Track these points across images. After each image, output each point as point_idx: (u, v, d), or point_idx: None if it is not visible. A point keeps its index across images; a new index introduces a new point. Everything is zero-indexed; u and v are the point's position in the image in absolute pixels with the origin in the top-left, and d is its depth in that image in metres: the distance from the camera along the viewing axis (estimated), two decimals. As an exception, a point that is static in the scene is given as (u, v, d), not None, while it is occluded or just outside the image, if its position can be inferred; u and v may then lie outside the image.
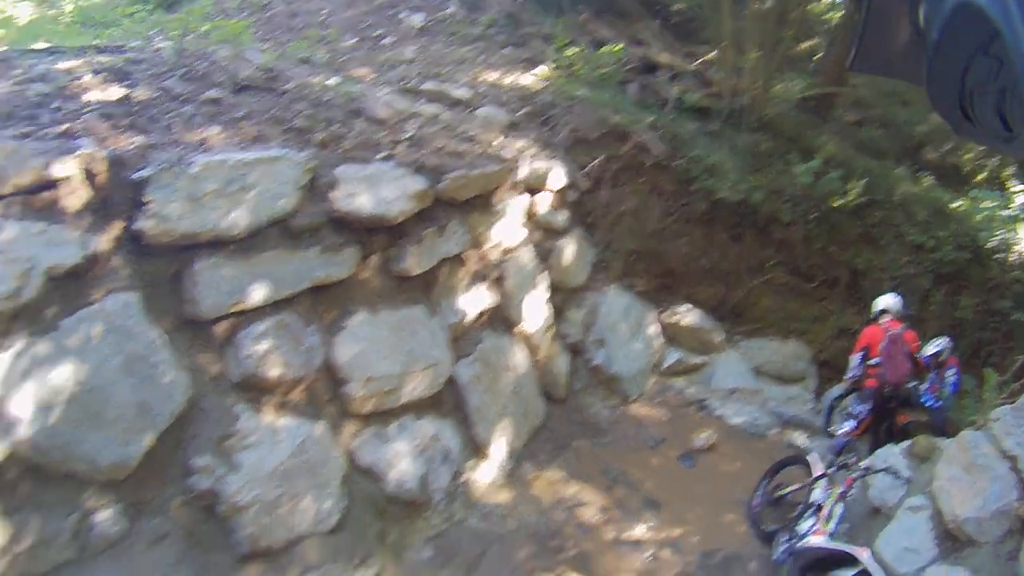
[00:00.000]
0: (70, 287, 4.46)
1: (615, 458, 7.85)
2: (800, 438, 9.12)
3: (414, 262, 6.21)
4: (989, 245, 11.66)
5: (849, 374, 8.24)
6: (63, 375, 4.29)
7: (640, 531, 6.86)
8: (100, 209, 4.69)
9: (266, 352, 5.16)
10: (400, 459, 5.92)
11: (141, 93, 5.72)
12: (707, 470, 8.09)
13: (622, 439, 8.30)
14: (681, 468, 8.02)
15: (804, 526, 6.41)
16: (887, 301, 8.56)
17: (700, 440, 8.40)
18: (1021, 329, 10.98)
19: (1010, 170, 15.21)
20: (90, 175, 4.65)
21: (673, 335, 10.01)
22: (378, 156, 6.21)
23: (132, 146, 5.05)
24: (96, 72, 5.83)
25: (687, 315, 10.06)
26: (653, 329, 9.80)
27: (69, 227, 4.50)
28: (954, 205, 12.21)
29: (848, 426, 8.03)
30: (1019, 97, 0.99)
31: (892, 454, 6.76)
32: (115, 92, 5.64)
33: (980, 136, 1.27)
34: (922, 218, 11.38)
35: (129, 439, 4.47)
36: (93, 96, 5.50)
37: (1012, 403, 6.10)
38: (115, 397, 4.45)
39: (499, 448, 6.99)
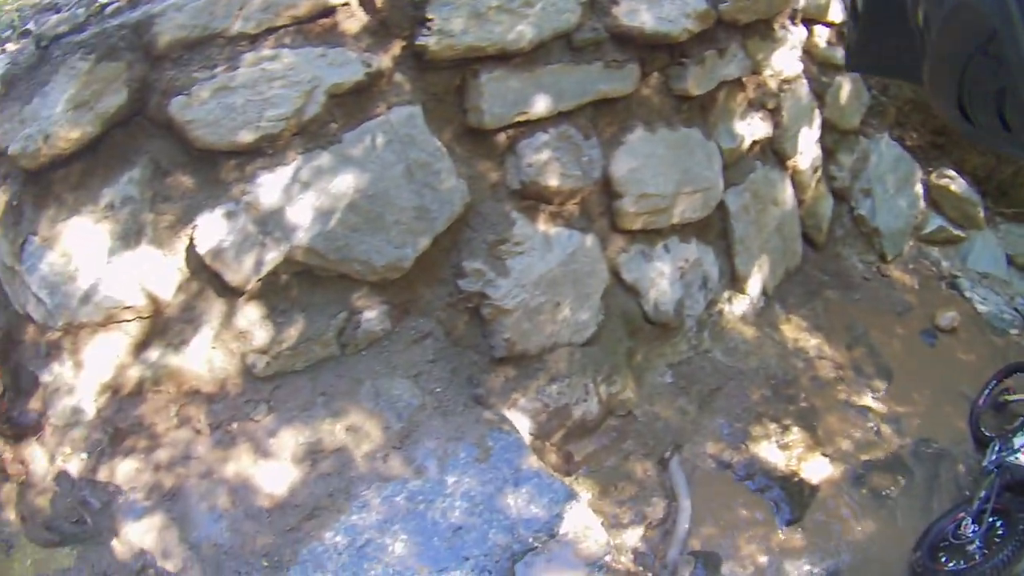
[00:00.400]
0: (352, 104, 4.42)
1: (861, 317, 7.25)
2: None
3: (694, 83, 5.70)
4: None
5: None
6: (344, 183, 4.33)
7: (868, 399, 6.36)
8: (379, 30, 4.53)
9: (546, 162, 4.93)
10: (661, 280, 5.64)
11: None
12: (944, 352, 7.31)
13: (871, 298, 7.63)
14: (921, 343, 7.30)
15: (1019, 440, 5.64)
16: None
17: (945, 319, 7.57)
18: None
19: None
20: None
21: (937, 200, 8.92)
22: (660, -27, 5.61)
23: None
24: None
25: (954, 181, 8.92)
26: (918, 188, 8.78)
27: (349, 49, 4.40)
28: None
29: None
30: (1018, 97, 0.91)
31: None
32: None
33: (979, 136, 1.15)
34: None
35: (405, 241, 4.49)
36: None
37: None
38: (395, 202, 4.47)
39: (755, 284, 6.57)
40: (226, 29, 4.19)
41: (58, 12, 4.85)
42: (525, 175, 4.87)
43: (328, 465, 4.11)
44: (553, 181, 4.92)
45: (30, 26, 4.96)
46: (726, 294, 6.30)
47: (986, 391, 6.42)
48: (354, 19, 4.45)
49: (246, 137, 4.12)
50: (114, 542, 3.99)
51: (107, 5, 4.60)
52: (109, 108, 4.05)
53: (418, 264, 4.55)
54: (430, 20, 4.51)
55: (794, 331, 6.63)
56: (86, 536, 4.04)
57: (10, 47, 4.83)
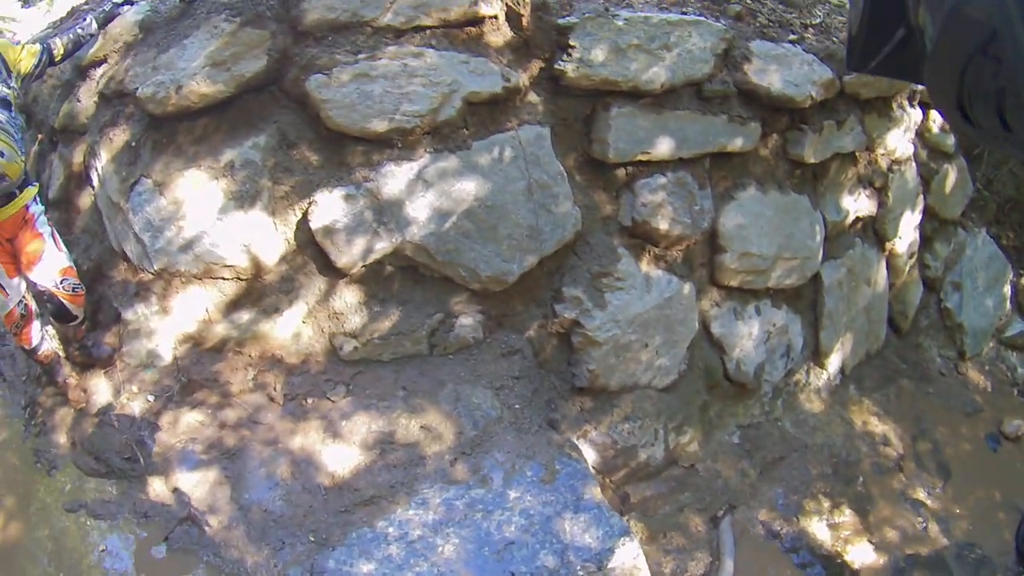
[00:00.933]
0: (486, 114, 4.54)
1: (931, 411, 7.19)
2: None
3: (810, 150, 5.74)
4: None
5: None
6: (466, 189, 4.42)
7: (923, 494, 6.30)
8: (521, 48, 4.70)
9: (660, 204, 4.99)
10: (747, 340, 5.66)
11: None
12: (1006, 460, 7.22)
13: (944, 394, 7.55)
14: (984, 447, 7.22)
15: None
16: None
17: (1012, 426, 7.45)
18: None
19: None
20: (514, 16, 4.62)
21: (1023, 303, 8.77)
22: (789, 37, 5.72)
23: None
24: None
25: None
26: (1007, 289, 8.66)
27: (491, 60, 4.54)
28: None
29: None
30: (1018, 97, 0.93)
31: None
32: None
33: (979, 136, 1.22)
34: None
35: (514, 256, 4.57)
36: None
37: None
38: (511, 217, 4.55)
39: (835, 360, 6.54)
40: (375, 19, 4.35)
41: (208, -29, 5.08)
42: (638, 213, 4.93)
43: (396, 457, 4.18)
44: (663, 224, 4.98)
45: (175, -21, 5.19)
46: (805, 366, 6.29)
47: None
48: (499, 33, 4.60)
49: (379, 126, 4.25)
50: (161, 485, 4.13)
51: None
52: (246, 72, 4.22)
53: (520, 281, 4.63)
54: (572, 47, 4.63)
55: (864, 414, 6.61)
56: (135, 475, 4.18)
57: (153, -6, 5.07)
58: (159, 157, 4.28)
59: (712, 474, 5.43)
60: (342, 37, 4.36)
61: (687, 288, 5.23)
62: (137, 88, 4.23)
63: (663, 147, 4.94)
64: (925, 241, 7.76)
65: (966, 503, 6.43)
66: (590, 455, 4.78)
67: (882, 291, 7.03)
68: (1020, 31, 0.85)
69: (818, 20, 6.23)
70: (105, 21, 4.60)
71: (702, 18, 5.14)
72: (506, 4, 4.56)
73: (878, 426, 6.55)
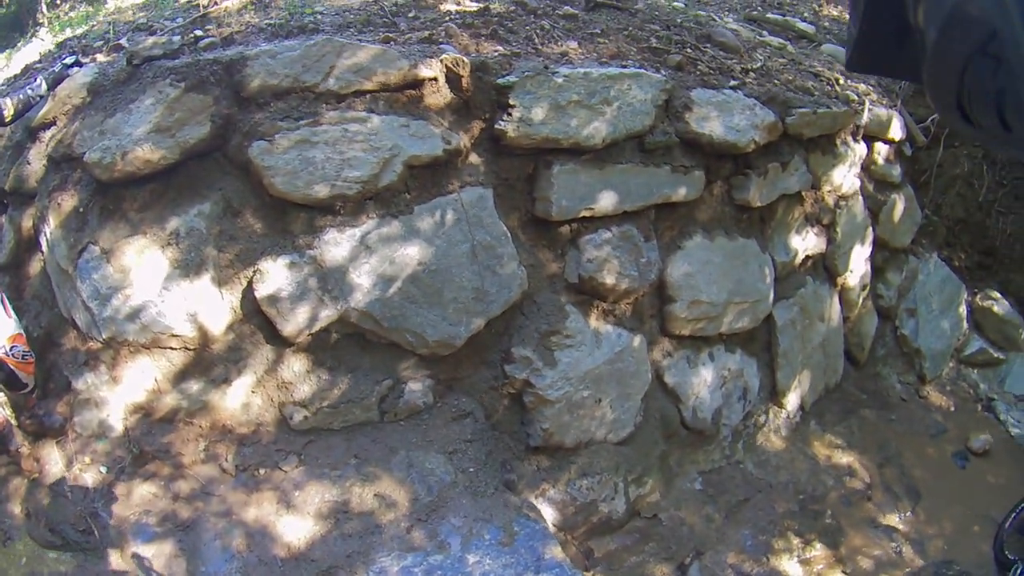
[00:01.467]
0: (428, 177, 4.56)
1: (895, 437, 7.28)
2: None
3: (756, 194, 5.79)
4: None
5: None
6: (409, 254, 4.44)
7: (895, 519, 6.37)
8: (462, 109, 4.70)
9: (606, 259, 5.00)
10: (702, 387, 5.69)
11: (498, 6, 5.65)
12: (975, 475, 7.33)
13: (906, 419, 7.64)
14: (952, 465, 7.33)
15: None
16: None
17: (978, 442, 7.58)
18: None
19: None
20: (454, 77, 4.62)
21: (980, 321, 8.95)
22: (730, 84, 5.78)
23: (495, 54, 4.99)
24: (451, -13, 5.89)
25: (998, 303, 8.94)
26: (962, 310, 8.81)
27: (431, 123, 4.54)
28: None
29: None
30: (1017, 98, 0.93)
31: None
32: (471, 5, 5.65)
33: (979, 136, 1.29)
34: None
35: (461, 319, 4.57)
36: (450, 7, 5.54)
37: None
38: (456, 280, 4.56)
39: (793, 398, 6.59)
40: (316, 85, 4.37)
41: (153, 35, 5.13)
42: (584, 270, 4.93)
43: (351, 527, 4.15)
44: (610, 279, 4.98)
45: (123, 42, 5.22)
46: (764, 406, 6.32)
47: (1013, 514, 6.34)
48: (439, 95, 4.61)
49: (321, 192, 4.26)
50: (118, 559, 4.06)
51: (201, 39, 4.88)
52: (190, 138, 4.23)
53: (469, 343, 4.63)
54: (512, 106, 4.64)
55: (827, 448, 6.64)
56: (89, 547, 4.11)
57: (100, 58, 5.10)
58: (106, 224, 4.27)
59: (676, 522, 5.42)
60: (284, 103, 4.37)
61: (637, 341, 5.24)
62: (85, 152, 4.22)
63: (606, 202, 4.96)
64: (877, 271, 7.85)
65: (939, 523, 6.50)
66: (549, 513, 4.77)
67: (837, 325, 7.10)
68: (1020, 31, 0.85)
69: (759, 64, 6.33)
70: (55, 82, 4.58)
71: (642, 70, 5.18)
72: (446, 66, 4.57)
73: (842, 458, 6.59)
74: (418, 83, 4.53)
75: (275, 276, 4.27)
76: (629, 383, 5.20)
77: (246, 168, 4.31)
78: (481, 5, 5.60)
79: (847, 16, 7.80)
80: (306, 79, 4.37)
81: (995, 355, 8.85)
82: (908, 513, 6.46)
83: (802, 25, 8.03)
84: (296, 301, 4.29)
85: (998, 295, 8.96)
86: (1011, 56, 0.88)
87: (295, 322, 4.30)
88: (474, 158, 4.74)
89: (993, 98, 0.98)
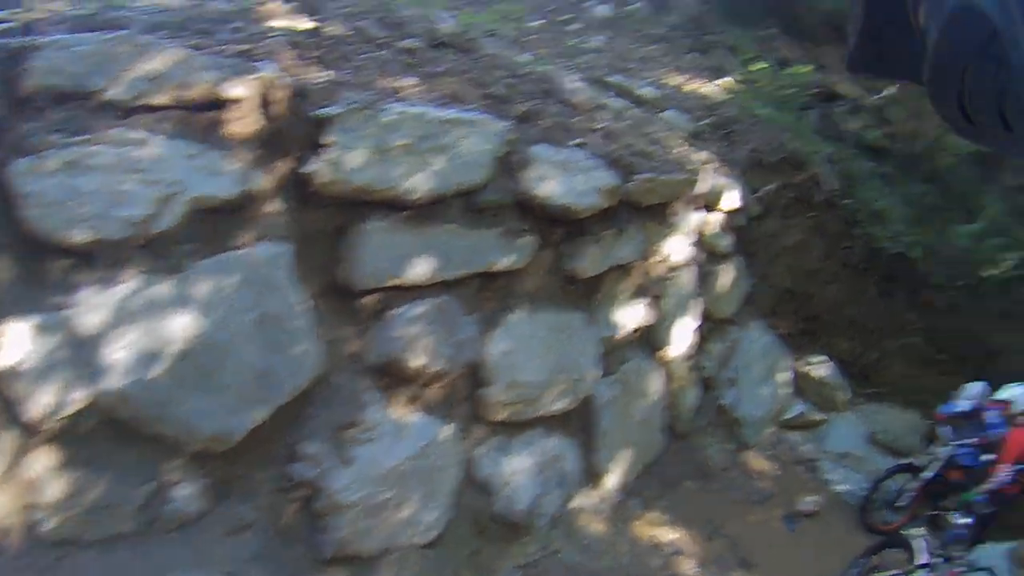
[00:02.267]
0: (215, 225, 3.79)
1: (720, 508, 7.19)
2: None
3: (588, 263, 5.49)
4: None
5: (994, 485, 7.10)
6: (182, 324, 3.62)
7: None
8: (270, 143, 3.98)
9: (416, 337, 4.45)
10: (517, 476, 5.24)
11: (333, 29, 5.03)
12: (807, 536, 7.41)
13: (730, 488, 7.62)
14: (782, 530, 7.37)
15: None
16: (1014, 394, 7.46)
17: (806, 504, 7.69)
18: None
19: None
20: (266, 102, 3.93)
21: (801, 386, 9.22)
22: (572, 142, 5.49)
23: (319, 80, 4.33)
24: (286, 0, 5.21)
25: (820, 367, 9.24)
26: (784, 376, 8.99)
27: (231, 156, 3.80)
28: None
29: (969, 520, 6.92)
30: (1019, 98, 0.91)
31: (994, 554, 6.40)
32: (304, 23, 4.99)
33: (980, 137, 1.10)
34: None
35: (240, 409, 3.79)
36: (279, 23, 4.84)
37: None
38: (237, 358, 3.77)
39: (613, 479, 6.29)
40: (100, 91, 3.57)
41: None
42: (389, 350, 4.36)
43: None
44: (420, 360, 4.44)
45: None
46: (583, 490, 5.99)
47: (853, 569, 6.42)
48: (246, 122, 3.89)
49: (82, 235, 3.42)
50: None
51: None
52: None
53: (250, 437, 3.87)
54: (328, 144, 4.02)
55: (650, 527, 6.40)
56: None
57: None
58: None
59: (490, 626, 5.01)
60: (64, 111, 3.55)
61: (447, 431, 4.72)
62: None
63: (423, 269, 4.45)
64: (700, 342, 7.76)
65: (777, 588, 6.44)
66: (348, 633, 4.16)
67: (658, 399, 6.92)
68: (1021, 31, 0.84)
69: (602, 125, 6.11)
70: None
71: (482, 117, 4.78)
72: (258, 86, 3.90)
73: (668, 535, 6.37)
74: (223, 103, 3.81)
75: (19, 342, 3.41)
76: (437, 479, 4.67)
77: (3, 191, 3.43)
78: (315, 25, 4.99)
79: (685, 86, 7.90)
80: (91, 83, 3.56)
81: (815, 417, 9.09)
82: (742, 586, 6.30)
83: (644, 90, 7.98)
84: (42, 378, 3.43)
85: (821, 359, 9.25)
86: (1012, 56, 0.87)
87: (41, 405, 3.44)
88: (275, 205, 4.02)
89: (994, 98, 0.97)
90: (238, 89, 3.82)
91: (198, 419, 3.68)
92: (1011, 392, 7.42)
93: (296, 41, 4.61)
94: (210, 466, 3.84)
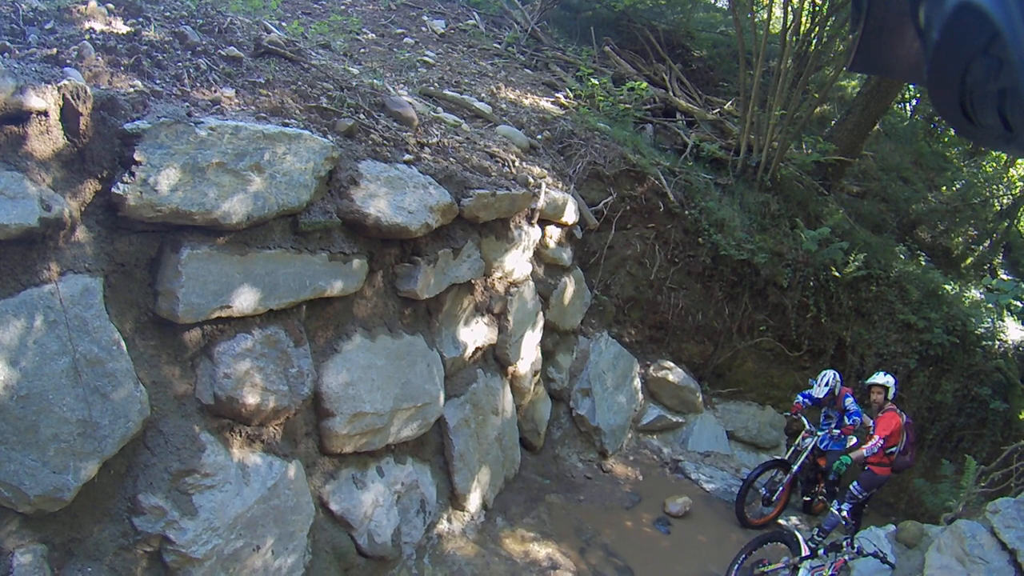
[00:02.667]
0: (16, 258, 3.33)
1: (589, 517, 7.20)
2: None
3: (424, 284, 5.31)
4: (977, 331, 11.46)
5: (866, 452, 7.43)
6: None
7: None
8: (75, 162, 3.55)
9: (247, 372, 4.13)
10: (374, 508, 5.04)
11: (151, 33, 4.63)
12: (682, 537, 7.51)
13: (597, 497, 7.67)
14: (656, 533, 7.45)
15: None
16: (888, 380, 7.92)
17: (676, 505, 7.84)
18: (997, 418, 10.91)
19: (999, 258, 15.09)
20: (71, 114, 3.48)
21: (655, 391, 9.47)
22: (403, 158, 5.31)
23: (130, 89, 3.96)
24: (104, 1, 4.75)
25: (672, 372, 9.51)
26: (637, 383, 9.19)
27: (30, 178, 3.33)
28: (947, 287, 12.02)
29: (846, 507, 7.33)
30: (1019, 97, 0.95)
31: (877, 537, 6.47)
32: (121, 27, 4.57)
33: (980, 136, 1.14)
34: (915, 297, 11.21)
35: (66, 464, 3.41)
36: (95, 25, 4.42)
37: (994, 493, 6.25)
38: (55, 410, 3.37)
39: (474, 499, 6.20)
40: None
41: None
42: (220, 388, 4.02)
43: None
44: (253, 398, 4.15)
45: None
46: (445, 514, 5.85)
47: (736, 566, 6.47)
48: (49, 138, 3.41)
49: None
50: None
51: None
52: None
53: (84, 494, 3.52)
54: (138, 163, 3.61)
55: (521, 544, 6.32)
56: None
57: None
58: None
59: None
60: None
61: (294, 469, 4.45)
62: None
63: (248, 298, 4.12)
64: (547, 355, 7.83)
65: (659, 593, 6.42)
66: None
67: (511, 416, 6.88)
68: (1022, 31, 0.85)
69: (435, 140, 5.98)
70: None
71: (306, 132, 4.47)
72: (63, 96, 3.41)
73: (540, 551, 6.30)
74: (23, 116, 3.30)
75: None
76: (290, 520, 4.39)
77: None
78: (132, 29, 4.60)
79: (521, 100, 7.89)
80: None
81: (673, 419, 9.38)
82: (625, 591, 6.24)
83: (478, 104, 7.95)
84: None
85: (671, 365, 9.52)
86: (1013, 56, 0.87)
87: None
88: (82, 233, 3.56)
89: (995, 98, 0.99)
90: (41, 99, 3.35)
91: (24, 479, 3.29)
92: (886, 379, 7.82)
93: (110, 46, 4.26)
94: (49, 529, 3.46)
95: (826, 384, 8.09)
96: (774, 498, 8.02)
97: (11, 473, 3.26)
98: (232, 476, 4.05)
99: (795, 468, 7.95)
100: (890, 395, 7.74)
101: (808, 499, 8.54)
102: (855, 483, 7.61)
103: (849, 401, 8.02)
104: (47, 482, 3.35)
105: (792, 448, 8.29)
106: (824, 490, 8.37)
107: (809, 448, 7.97)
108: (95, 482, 3.56)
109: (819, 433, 8.08)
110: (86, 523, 3.60)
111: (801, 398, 8.31)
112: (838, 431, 8.03)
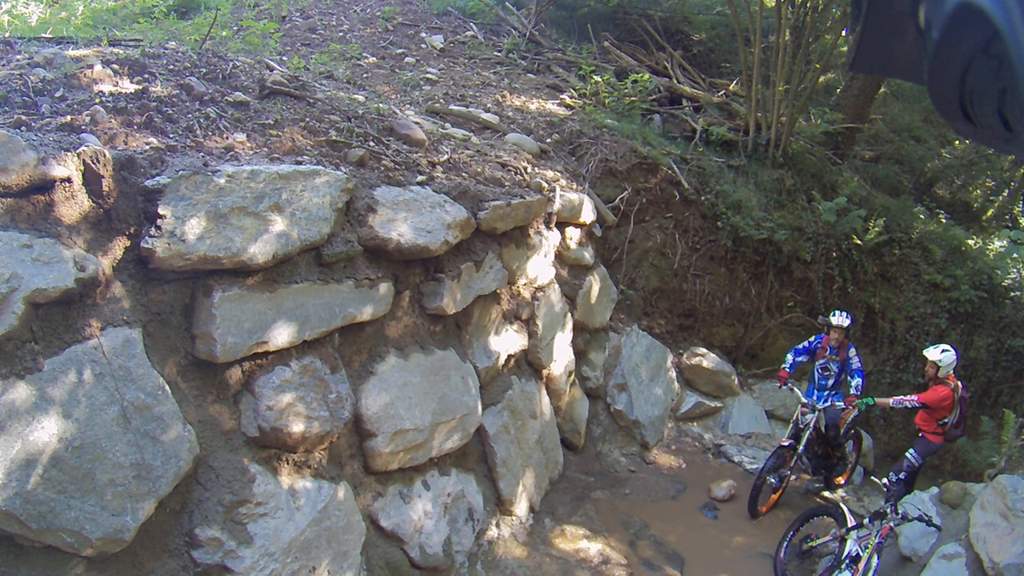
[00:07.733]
0: (58, 318, 3.48)
1: (636, 510, 7.27)
2: (819, 483, 8.52)
3: (450, 300, 5.43)
4: (1004, 283, 11.36)
5: (893, 403, 7.30)
6: (46, 428, 3.36)
7: None
8: (103, 222, 3.70)
9: (289, 403, 4.29)
10: (424, 520, 5.16)
11: (158, 89, 4.79)
12: (730, 521, 7.56)
13: (642, 489, 7.73)
14: (704, 519, 7.51)
15: None
16: (939, 356, 7.19)
17: (721, 490, 7.89)
18: (1034, 368, 10.68)
19: (1020, 206, 14.89)
20: (93, 178, 3.65)
21: (691, 378, 9.48)
22: (417, 179, 5.43)
23: (146, 147, 4.10)
24: (108, 63, 4.89)
25: (705, 358, 9.52)
26: (672, 372, 9.21)
27: (63, 242, 3.50)
28: (970, 242, 11.92)
29: (899, 476, 7.23)
30: (1019, 97, 0.93)
31: (921, 501, 6.49)
32: (129, 86, 4.73)
33: (981, 136, 1.14)
34: (939, 256, 11.14)
35: (124, 507, 3.57)
36: (104, 88, 4.58)
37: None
38: (108, 456, 3.53)
39: (521, 503, 6.30)
40: None
41: None
42: (264, 420, 4.18)
43: None
44: (297, 427, 4.29)
45: None
46: (493, 520, 5.94)
47: (786, 543, 6.50)
48: (74, 203, 3.57)
49: None
50: None
51: None
52: None
53: (143, 533, 3.67)
54: (162, 216, 3.75)
55: (570, 542, 6.38)
56: None
57: None
58: None
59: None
60: None
61: (342, 490, 4.58)
62: None
63: (282, 333, 4.27)
64: (579, 355, 7.88)
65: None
66: None
67: (549, 418, 6.96)
68: (1022, 31, 0.85)
69: (445, 157, 6.09)
70: None
71: (319, 167, 4.60)
72: (83, 161, 3.57)
73: (590, 547, 6.36)
74: (48, 185, 3.47)
75: None
76: (343, 540, 4.52)
77: None
78: (140, 87, 4.73)
79: (527, 106, 7.96)
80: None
81: (712, 404, 9.38)
82: (678, 581, 6.31)
83: (485, 116, 8.04)
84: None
85: (704, 351, 9.51)
86: (1013, 56, 0.87)
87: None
88: (117, 288, 3.70)
89: (995, 98, 0.99)
90: (63, 167, 3.52)
91: (85, 524, 3.44)
92: (938, 355, 7.15)
93: (121, 107, 4.42)
94: (112, 569, 3.60)
95: (846, 315, 7.89)
96: (783, 485, 7.85)
97: (72, 520, 3.41)
98: (283, 502, 4.19)
99: (800, 448, 7.61)
100: (941, 373, 7.14)
101: (824, 473, 8.29)
102: (912, 450, 7.44)
103: (853, 353, 7.86)
104: (107, 525, 3.50)
105: (791, 426, 7.92)
106: (836, 455, 8.14)
107: (812, 425, 7.64)
108: (153, 520, 3.71)
109: (819, 406, 7.73)
110: (147, 560, 3.75)
111: (791, 358, 7.98)
112: (841, 404, 7.78)
